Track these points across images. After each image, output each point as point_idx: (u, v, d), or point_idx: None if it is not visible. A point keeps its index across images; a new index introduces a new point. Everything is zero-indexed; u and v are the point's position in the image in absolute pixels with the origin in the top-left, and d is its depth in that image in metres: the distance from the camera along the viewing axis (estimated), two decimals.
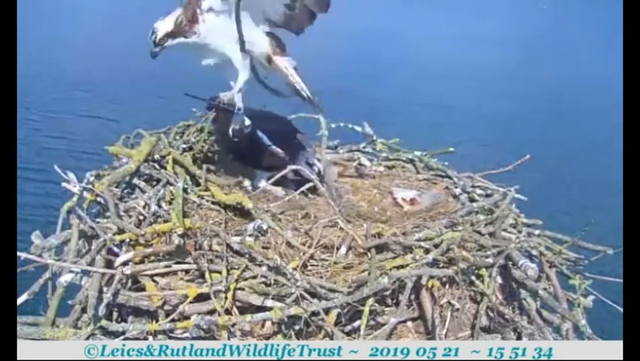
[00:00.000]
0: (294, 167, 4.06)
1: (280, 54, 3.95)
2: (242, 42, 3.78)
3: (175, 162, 4.08)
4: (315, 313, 3.17)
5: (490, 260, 3.60)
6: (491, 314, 3.54)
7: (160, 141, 4.30)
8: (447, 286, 3.59)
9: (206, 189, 3.87)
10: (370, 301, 3.24)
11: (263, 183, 4.12)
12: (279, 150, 4.20)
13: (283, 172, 4.01)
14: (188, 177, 3.96)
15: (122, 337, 3.01)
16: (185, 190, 3.74)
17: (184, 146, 4.60)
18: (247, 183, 4.13)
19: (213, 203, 3.76)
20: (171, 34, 3.69)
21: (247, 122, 3.97)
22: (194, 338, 3.13)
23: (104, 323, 3.05)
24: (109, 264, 3.29)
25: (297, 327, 3.21)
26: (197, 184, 3.93)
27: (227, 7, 3.73)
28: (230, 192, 3.86)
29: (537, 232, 4.15)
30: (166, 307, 3.24)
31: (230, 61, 3.89)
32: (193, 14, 3.70)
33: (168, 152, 4.15)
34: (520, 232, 4.07)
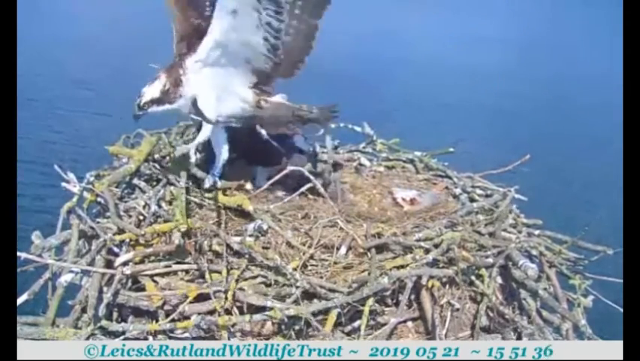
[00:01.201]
0: (292, 167, 4.05)
1: (268, 96, 3.93)
2: (205, 119, 3.72)
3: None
4: (315, 314, 3.17)
5: (490, 260, 3.60)
6: (491, 314, 3.55)
7: (160, 140, 4.30)
8: (447, 286, 3.60)
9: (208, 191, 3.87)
10: (370, 301, 3.25)
11: (264, 184, 4.12)
12: (275, 145, 4.22)
13: (283, 173, 4.01)
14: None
15: (122, 337, 3.01)
16: (186, 190, 3.74)
17: None
18: (249, 186, 4.13)
19: (214, 204, 3.76)
20: (157, 101, 3.69)
21: (219, 184, 3.94)
22: (194, 338, 3.14)
23: (104, 323, 3.06)
24: (109, 264, 3.29)
25: (297, 327, 3.21)
26: (198, 185, 3.93)
27: (209, 63, 3.72)
28: (231, 194, 3.86)
29: (537, 232, 4.16)
30: (166, 307, 3.24)
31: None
32: (177, 78, 3.69)
33: (169, 152, 4.15)
34: (520, 232, 4.08)
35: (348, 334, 3.29)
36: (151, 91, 3.67)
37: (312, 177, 3.95)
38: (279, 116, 4.02)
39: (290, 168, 4.04)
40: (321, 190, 3.95)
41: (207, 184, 3.93)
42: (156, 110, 3.72)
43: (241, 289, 3.25)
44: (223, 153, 4.03)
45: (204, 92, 3.72)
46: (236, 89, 3.84)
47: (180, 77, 3.69)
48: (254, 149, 4.29)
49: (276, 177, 4.02)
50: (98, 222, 3.56)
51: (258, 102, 3.89)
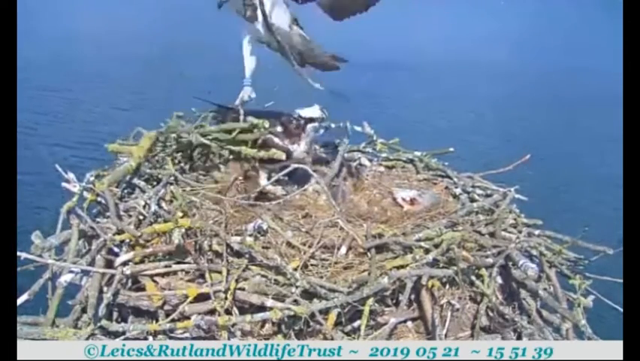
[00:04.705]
0: (296, 165, 4.04)
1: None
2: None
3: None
4: (315, 314, 3.17)
5: (490, 260, 3.60)
6: (491, 314, 3.55)
7: (161, 136, 4.31)
8: (447, 286, 3.60)
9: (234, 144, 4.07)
10: (370, 301, 3.24)
11: (264, 182, 4.12)
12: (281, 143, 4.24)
13: (284, 172, 4.00)
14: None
15: (122, 337, 3.01)
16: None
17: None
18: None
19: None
20: None
21: (253, 94, 4.31)
22: (194, 338, 3.14)
23: (104, 323, 3.06)
24: (109, 264, 3.29)
25: (297, 327, 3.21)
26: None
27: None
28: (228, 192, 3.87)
29: (537, 232, 4.15)
30: (166, 307, 3.24)
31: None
32: None
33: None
34: (520, 232, 4.07)
35: (348, 334, 3.29)
36: None
37: (315, 175, 3.94)
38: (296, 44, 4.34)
39: (293, 165, 4.03)
40: (325, 188, 3.93)
41: (245, 96, 4.28)
42: None
43: (241, 289, 3.25)
44: (252, 63, 4.35)
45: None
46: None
47: None
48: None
49: (277, 176, 4.02)
50: (98, 222, 3.56)
51: (292, 24, 4.26)
